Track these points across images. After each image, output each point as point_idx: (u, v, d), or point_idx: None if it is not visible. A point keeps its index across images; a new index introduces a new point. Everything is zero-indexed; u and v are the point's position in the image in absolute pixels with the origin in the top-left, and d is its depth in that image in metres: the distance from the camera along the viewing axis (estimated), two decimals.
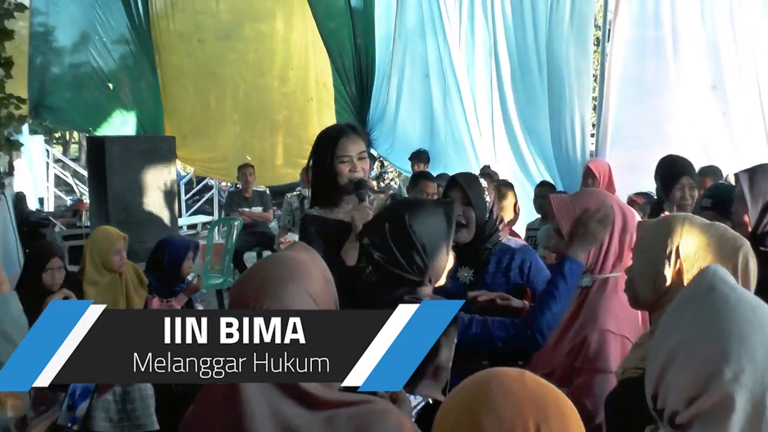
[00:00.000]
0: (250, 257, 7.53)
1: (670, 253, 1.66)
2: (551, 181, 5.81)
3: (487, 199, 2.64)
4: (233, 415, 1.21)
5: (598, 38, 6.86)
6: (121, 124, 8.73)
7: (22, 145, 8.15)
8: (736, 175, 2.67)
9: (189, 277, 4.33)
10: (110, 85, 8.71)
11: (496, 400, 1.00)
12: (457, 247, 2.27)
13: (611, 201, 2.18)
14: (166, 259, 4.21)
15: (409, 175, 7.11)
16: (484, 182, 2.77)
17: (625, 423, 1.49)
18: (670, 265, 1.66)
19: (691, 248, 1.65)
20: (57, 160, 12.89)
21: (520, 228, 5.09)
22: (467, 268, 2.61)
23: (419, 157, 7.41)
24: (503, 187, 4.64)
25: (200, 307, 4.40)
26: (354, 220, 2.44)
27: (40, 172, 11.28)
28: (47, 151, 12.18)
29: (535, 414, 0.98)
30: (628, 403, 1.41)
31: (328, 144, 2.59)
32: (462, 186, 2.63)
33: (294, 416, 1.21)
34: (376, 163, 10.65)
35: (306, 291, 1.32)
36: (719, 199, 3.06)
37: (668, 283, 1.66)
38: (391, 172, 12.05)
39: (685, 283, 1.62)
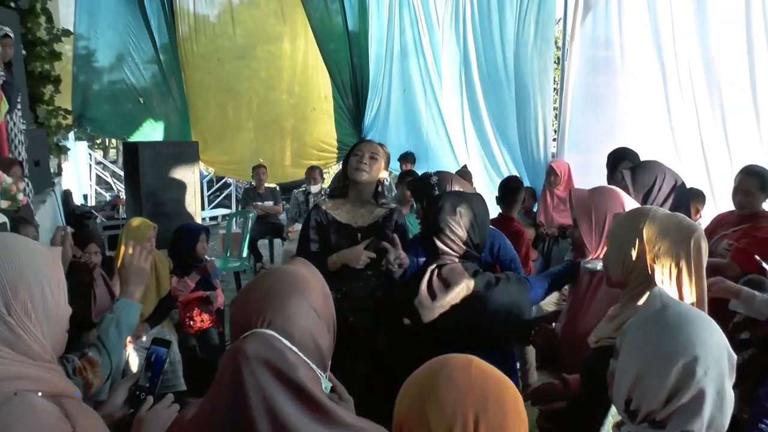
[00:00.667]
0: (263, 244, 7.48)
1: (635, 237, 1.63)
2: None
3: None
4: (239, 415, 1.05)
5: (558, 57, 6.81)
6: (151, 132, 8.68)
7: (68, 149, 8.10)
8: (622, 172, 2.58)
9: (207, 257, 4.29)
10: (141, 100, 8.64)
11: (441, 391, 0.94)
12: None
13: (621, 199, 2.08)
14: (182, 243, 4.20)
15: (398, 173, 7.09)
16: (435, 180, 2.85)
17: (598, 385, 1.44)
18: (634, 247, 1.63)
19: (652, 233, 1.62)
20: (98, 163, 12.84)
21: None
22: None
23: (407, 158, 7.42)
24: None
25: (219, 287, 4.32)
26: (354, 253, 2.56)
27: (84, 173, 11.22)
28: (90, 154, 12.15)
29: (476, 406, 0.92)
30: (601, 368, 1.36)
31: (352, 147, 2.76)
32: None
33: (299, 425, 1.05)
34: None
35: (308, 302, 1.15)
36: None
37: (633, 260, 1.63)
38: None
39: (648, 261, 1.61)
